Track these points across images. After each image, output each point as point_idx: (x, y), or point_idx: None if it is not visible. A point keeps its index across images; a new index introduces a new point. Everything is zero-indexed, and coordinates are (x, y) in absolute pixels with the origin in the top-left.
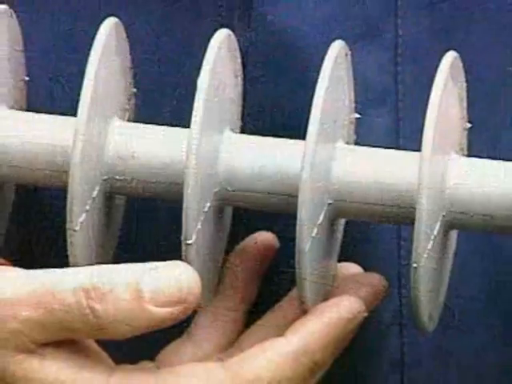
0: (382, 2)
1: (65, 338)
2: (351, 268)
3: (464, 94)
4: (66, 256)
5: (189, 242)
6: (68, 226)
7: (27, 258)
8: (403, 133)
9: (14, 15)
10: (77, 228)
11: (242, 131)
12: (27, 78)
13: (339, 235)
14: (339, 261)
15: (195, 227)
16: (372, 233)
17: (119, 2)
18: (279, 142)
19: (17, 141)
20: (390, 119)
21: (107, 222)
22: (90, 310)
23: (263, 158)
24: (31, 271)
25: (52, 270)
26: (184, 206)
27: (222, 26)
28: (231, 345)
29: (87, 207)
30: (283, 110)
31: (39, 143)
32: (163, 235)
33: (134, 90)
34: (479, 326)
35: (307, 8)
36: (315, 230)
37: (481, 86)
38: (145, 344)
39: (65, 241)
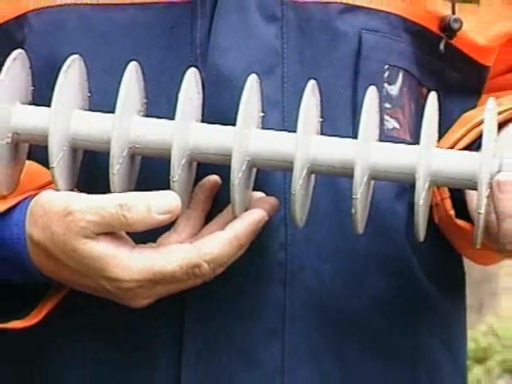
0: (275, 54)
1: (109, 231)
2: (259, 194)
3: (319, 103)
4: (109, 188)
5: (174, 179)
6: (110, 171)
7: (88, 190)
8: (287, 125)
9: (82, 59)
10: (115, 172)
11: (202, 122)
12: (89, 94)
13: (253, 176)
14: (252, 190)
15: (177, 171)
16: (271, 175)
17: (138, 52)
18: (222, 128)
19: (83, 126)
20: (280, 117)
21: (131, 170)
22: (123, 216)
23: (213, 136)
24: (92, 195)
25: (102, 195)
26: (172, 160)
27: (191, 65)
28: (197, 234)
29: (120, 161)
30: (224, 112)
31: (96, 127)
32: (161, 177)
33: (145, 100)
34: (327, 222)
35: (238, 58)
36: (240, 174)
37: (328, 98)
38: (150, 234)
39: (108, 180)
